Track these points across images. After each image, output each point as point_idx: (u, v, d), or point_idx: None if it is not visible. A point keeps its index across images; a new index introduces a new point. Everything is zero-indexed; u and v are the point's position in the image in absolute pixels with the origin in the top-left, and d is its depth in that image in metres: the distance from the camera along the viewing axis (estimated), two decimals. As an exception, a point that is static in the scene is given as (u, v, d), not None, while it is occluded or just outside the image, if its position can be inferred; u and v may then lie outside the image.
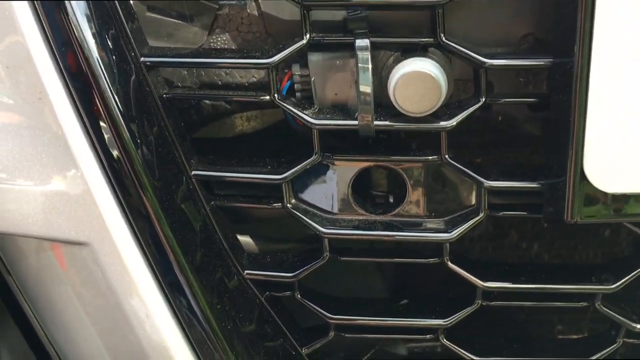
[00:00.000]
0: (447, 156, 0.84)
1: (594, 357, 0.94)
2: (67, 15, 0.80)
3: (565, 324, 1.07)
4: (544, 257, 1.03)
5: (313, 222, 0.88)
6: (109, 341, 0.95)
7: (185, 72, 0.94)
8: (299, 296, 0.95)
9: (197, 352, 0.89)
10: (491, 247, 1.02)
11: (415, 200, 0.88)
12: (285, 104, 0.84)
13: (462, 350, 0.96)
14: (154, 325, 0.88)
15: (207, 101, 1.00)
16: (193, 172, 0.88)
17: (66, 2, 0.79)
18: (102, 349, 0.99)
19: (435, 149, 0.85)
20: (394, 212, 0.89)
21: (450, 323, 0.93)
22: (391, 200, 0.95)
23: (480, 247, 1.03)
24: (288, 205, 0.89)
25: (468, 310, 0.92)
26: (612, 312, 0.90)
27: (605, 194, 0.75)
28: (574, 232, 1.01)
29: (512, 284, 0.90)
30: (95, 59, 0.80)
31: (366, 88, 0.80)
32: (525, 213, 0.87)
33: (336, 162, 0.87)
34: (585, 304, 0.91)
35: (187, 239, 0.87)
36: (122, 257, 0.86)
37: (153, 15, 0.89)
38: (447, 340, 0.96)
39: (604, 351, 0.94)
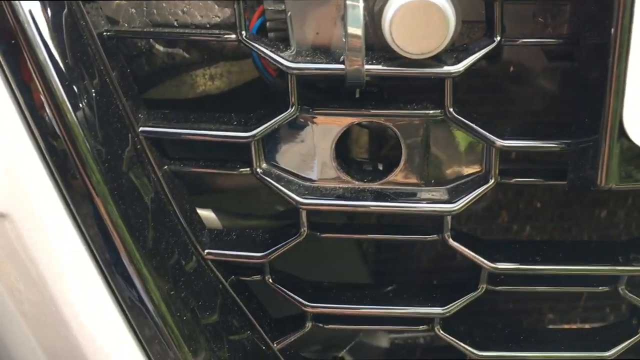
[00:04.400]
0: (451, 110, 0.69)
1: (612, 351, 0.81)
2: None
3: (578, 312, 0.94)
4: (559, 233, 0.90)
5: (288, 190, 0.73)
6: (40, 337, 0.79)
7: (134, 10, 0.77)
8: (270, 280, 0.80)
9: (145, 349, 0.73)
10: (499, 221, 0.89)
11: (411, 164, 0.73)
12: (255, 44, 0.68)
13: (461, 343, 0.82)
14: (91, 318, 0.71)
15: (161, 48, 0.84)
16: (141, 129, 0.72)
17: None
18: (34, 346, 0.82)
19: (437, 103, 0.70)
20: (385, 179, 0.73)
21: (449, 311, 0.79)
22: (380, 168, 0.80)
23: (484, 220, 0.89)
24: (258, 170, 0.73)
25: (471, 297, 0.78)
26: (638, 298, 0.77)
27: (648, 153, 0.62)
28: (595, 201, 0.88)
29: (524, 265, 0.76)
30: (12, -19, 0.63)
31: (355, 24, 0.65)
32: (541, 180, 0.73)
33: (317, 118, 0.71)
34: (606, 288, 0.78)
35: (135, 212, 0.71)
36: (50, 234, 0.69)
37: None
38: (443, 331, 0.82)
39: (623, 344, 0.81)
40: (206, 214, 0.84)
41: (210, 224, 0.83)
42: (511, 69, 0.77)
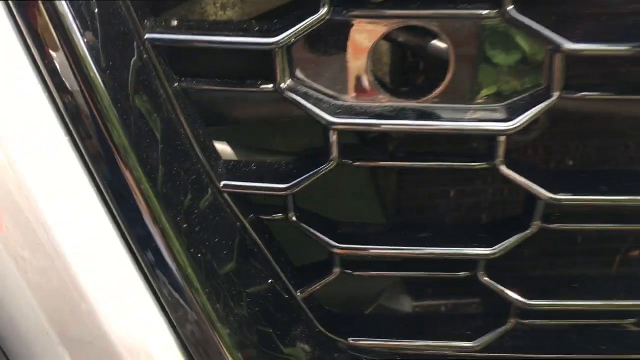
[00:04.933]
0: (511, 8, 0.59)
1: None
2: None
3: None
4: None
5: (318, 109, 0.63)
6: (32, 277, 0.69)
7: None
8: (294, 219, 0.71)
9: (155, 291, 0.64)
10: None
11: (460, 77, 0.63)
12: None
13: (508, 291, 0.72)
14: (92, 254, 0.62)
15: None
16: (147, 36, 0.62)
17: None
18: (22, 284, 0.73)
19: (494, 2, 0.60)
20: (429, 96, 0.64)
21: (497, 253, 0.69)
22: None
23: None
24: (282, 85, 0.64)
25: (524, 236, 0.68)
26: None
27: None
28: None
29: (590, 195, 0.66)
30: None
31: None
32: (613, 94, 0.63)
33: (352, 21, 0.61)
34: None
35: (141, 130, 0.61)
36: (48, 155, 0.60)
37: None
38: (488, 277, 0.72)
39: None
40: (222, 147, 0.75)
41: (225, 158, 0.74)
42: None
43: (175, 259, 0.63)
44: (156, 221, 0.61)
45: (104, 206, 0.61)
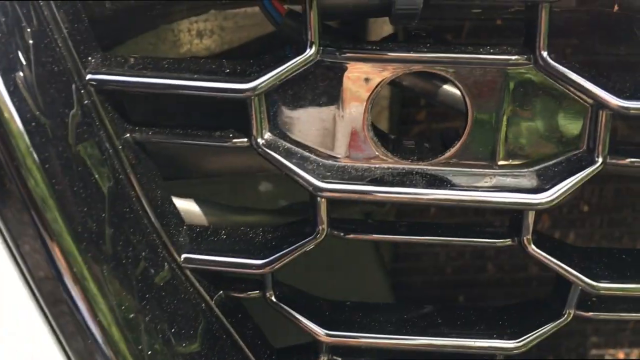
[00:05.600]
0: (545, 54, 0.47)
1: None
2: None
3: None
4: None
5: (302, 171, 0.51)
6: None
7: None
8: (273, 298, 0.58)
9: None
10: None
11: (480, 136, 0.51)
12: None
13: None
14: (11, 347, 0.49)
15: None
16: (89, 76, 0.49)
17: None
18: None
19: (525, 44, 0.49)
20: (442, 157, 0.51)
21: (521, 347, 0.57)
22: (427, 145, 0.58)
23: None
24: (259, 140, 0.51)
25: (554, 326, 0.56)
26: None
27: None
28: None
29: (629, 283, 0.54)
30: None
31: None
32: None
33: (347, 65, 0.49)
34: None
35: (78, 196, 0.49)
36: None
37: None
38: None
39: None
40: (186, 206, 0.62)
41: (191, 220, 0.61)
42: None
43: (118, 356, 0.50)
44: (92, 312, 0.48)
45: (29, 292, 0.48)
